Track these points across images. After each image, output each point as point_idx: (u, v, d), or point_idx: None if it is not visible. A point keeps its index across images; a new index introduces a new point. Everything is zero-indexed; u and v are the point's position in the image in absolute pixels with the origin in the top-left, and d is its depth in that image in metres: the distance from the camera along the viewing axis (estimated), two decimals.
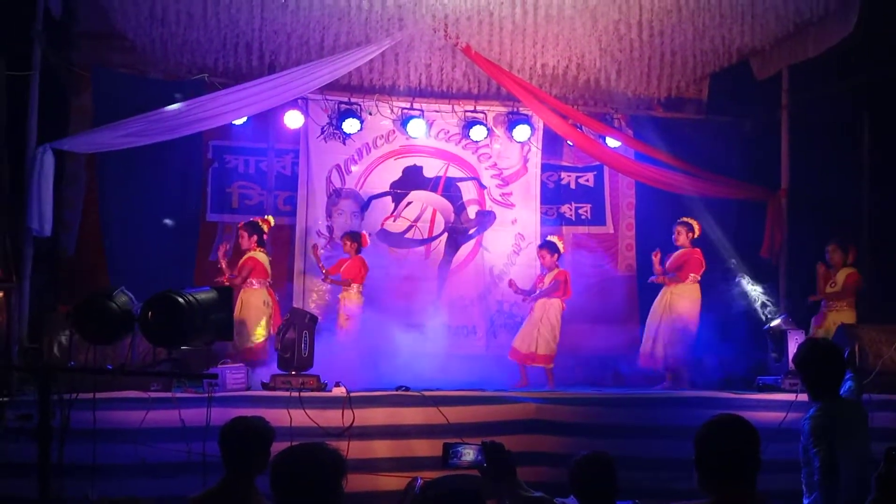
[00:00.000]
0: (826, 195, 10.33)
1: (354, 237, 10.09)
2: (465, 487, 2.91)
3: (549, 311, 9.74)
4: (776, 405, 7.92)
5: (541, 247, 10.20)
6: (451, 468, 3.26)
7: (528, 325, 9.86)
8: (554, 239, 10.21)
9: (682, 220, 9.88)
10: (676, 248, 9.81)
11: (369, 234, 10.52)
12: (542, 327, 9.69)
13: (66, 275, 9.77)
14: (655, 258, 9.79)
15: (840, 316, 9.31)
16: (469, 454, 3.26)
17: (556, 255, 9.94)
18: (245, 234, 9.44)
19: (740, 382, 9.07)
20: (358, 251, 10.02)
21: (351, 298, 9.81)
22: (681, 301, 9.65)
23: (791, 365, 8.53)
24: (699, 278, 9.73)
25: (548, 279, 9.88)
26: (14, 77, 8.14)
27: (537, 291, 9.92)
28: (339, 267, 10.04)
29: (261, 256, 9.38)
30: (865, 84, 10.01)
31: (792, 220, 10.51)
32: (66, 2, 8.77)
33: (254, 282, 9.28)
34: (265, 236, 9.59)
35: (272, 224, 9.83)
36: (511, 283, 10.29)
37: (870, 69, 9.82)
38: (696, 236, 9.82)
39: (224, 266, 9.35)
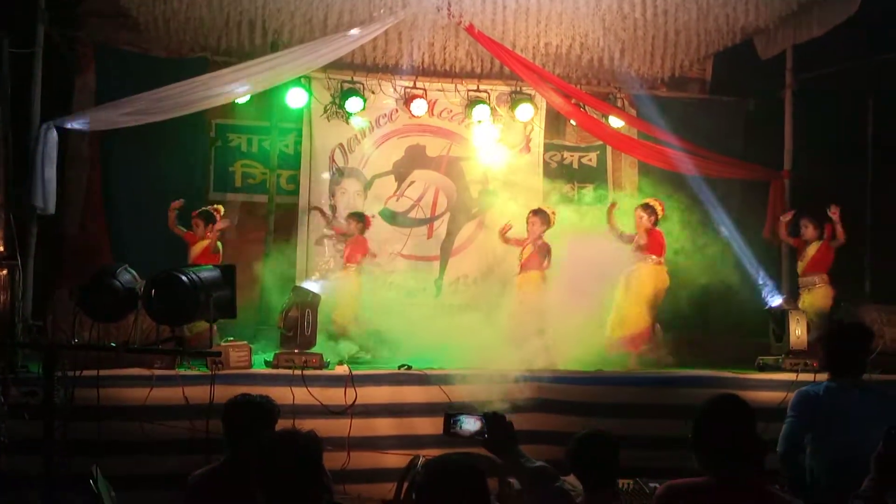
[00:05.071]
0: (829, 176, 10.32)
1: (359, 217, 10.06)
2: (465, 464, 2.92)
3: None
4: (777, 385, 7.95)
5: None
6: (452, 437, 3.28)
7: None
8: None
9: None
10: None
11: (372, 216, 10.49)
12: None
13: (70, 253, 9.79)
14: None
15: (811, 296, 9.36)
16: (470, 424, 3.28)
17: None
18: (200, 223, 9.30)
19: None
20: (362, 232, 9.98)
21: (350, 278, 9.79)
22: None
23: (791, 345, 8.66)
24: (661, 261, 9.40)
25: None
26: (18, 55, 8.13)
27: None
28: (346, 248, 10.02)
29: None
30: (870, 64, 9.97)
31: (794, 201, 10.50)
32: None
33: None
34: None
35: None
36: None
37: (874, 49, 9.78)
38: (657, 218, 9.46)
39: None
